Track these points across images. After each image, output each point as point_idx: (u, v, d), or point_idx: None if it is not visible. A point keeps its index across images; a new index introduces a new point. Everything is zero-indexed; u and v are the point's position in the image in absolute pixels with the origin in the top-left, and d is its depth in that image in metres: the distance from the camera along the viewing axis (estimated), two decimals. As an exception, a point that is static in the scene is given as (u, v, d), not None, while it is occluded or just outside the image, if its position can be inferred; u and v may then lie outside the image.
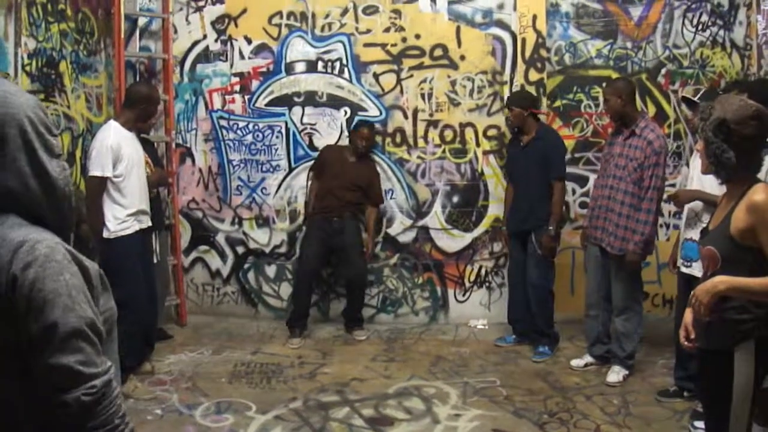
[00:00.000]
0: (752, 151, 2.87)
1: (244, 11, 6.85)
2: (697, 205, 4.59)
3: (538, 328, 6.08)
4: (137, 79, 6.82)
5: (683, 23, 6.62)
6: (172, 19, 6.85)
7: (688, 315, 3.04)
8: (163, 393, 5.18)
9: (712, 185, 3.95)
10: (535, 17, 6.51)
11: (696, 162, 4.43)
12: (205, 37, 6.94)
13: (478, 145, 6.76)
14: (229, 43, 6.91)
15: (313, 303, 6.74)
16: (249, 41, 6.89)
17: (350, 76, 6.80)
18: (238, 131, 6.97)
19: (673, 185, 6.30)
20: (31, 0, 5.24)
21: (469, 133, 6.76)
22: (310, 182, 6.79)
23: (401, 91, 6.78)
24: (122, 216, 5.14)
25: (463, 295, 6.95)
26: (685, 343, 3.11)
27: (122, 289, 4.30)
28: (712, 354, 2.98)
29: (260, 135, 6.93)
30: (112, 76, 6.53)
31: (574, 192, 6.79)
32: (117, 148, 5.08)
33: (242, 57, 6.92)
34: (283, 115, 6.90)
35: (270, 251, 7.07)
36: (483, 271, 6.91)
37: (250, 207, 7.04)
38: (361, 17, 6.74)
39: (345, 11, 6.76)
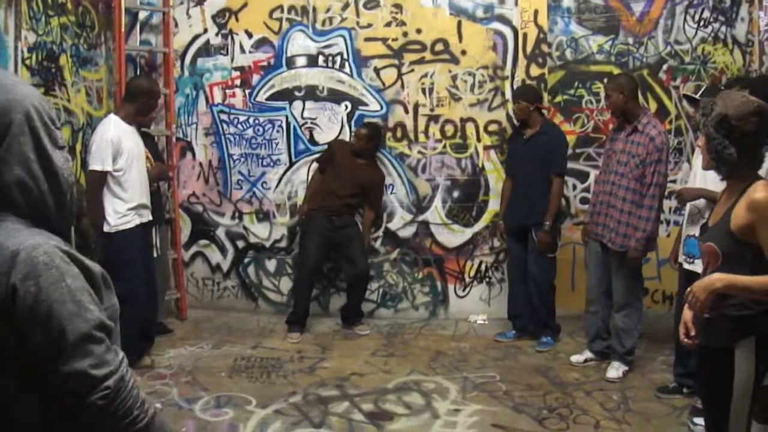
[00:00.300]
0: (753, 148, 2.86)
1: (245, 5, 6.83)
2: (701, 202, 4.58)
3: (540, 320, 6.12)
4: (137, 72, 6.81)
5: (685, 19, 6.60)
6: (172, 13, 6.84)
7: (688, 312, 3.04)
8: (162, 387, 5.18)
9: (715, 182, 3.93)
10: (536, 12, 6.49)
11: (699, 159, 4.42)
12: (205, 30, 6.93)
13: (478, 140, 6.75)
14: (229, 37, 6.90)
15: (313, 297, 6.74)
16: (250, 35, 6.88)
17: (351, 71, 6.79)
18: (239, 125, 6.97)
19: (674, 181, 6.31)
20: (31, -7, 5.24)
21: (469, 128, 6.75)
22: (312, 174, 6.78)
23: (402, 86, 6.77)
24: (123, 210, 5.14)
25: (463, 291, 6.95)
26: (685, 340, 3.10)
27: (122, 283, 4.30)
28: (713, 350, 2.98)
29: (261, 129, 6.92)
30: (113, 69, 6.53)
31: (575, 187, 6.79)
32: (117, 142, 5.09)
33: (243, 51, 6.90)
34: (284, 109, 6.89)
35: (270, 246, 7.07)
36: (483, 267, 6.91)
37: (250, 201, 7.04)
38: (362, 11, 6.73)
39: (346, 5, 6.75)
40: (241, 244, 7.11)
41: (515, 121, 6.39)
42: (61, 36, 5.71)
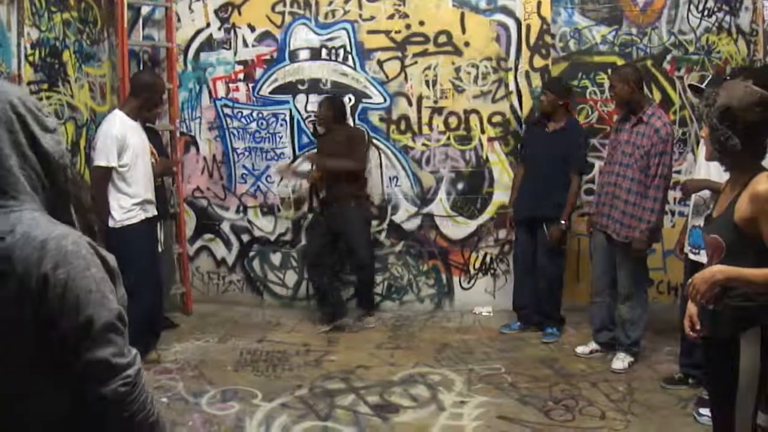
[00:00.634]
0: (757, 138, 2.85)
1: (247, -1, 6.84)
2: (705, 193, 4.57)
3: (546, 312, 6.14)
4: (141, 68, 6.81)
5: (689, 9, 6.58)
6: (175, 8, 6.83)
7: (693, 306, 3.04)
8: (169, 381, 5.20)
9: (719, 173, 3.92)
10: (539, 3, 6.48)
11: (703, 150, 4.41)
12: (208, 25, 6.92)
13: (482, 131, 6.74)
14: (232, 31, 6.90)
15: (317, 291, 6.74)
16: (252, 29, 6.87)
17: (354, 64, 6.78)
18: (243, 119, 6.97)
19: (678, 172, 6.30)
20: (34, -11, 5.24)
21: (473, 119, 6.74)
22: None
23: (405, 78, 6.76)
24: (128, 205, 5.15)
25: (468, 283, 6.95)
26: (691, 333, 3.10)
27: (128, 278, 4.31)
28: (718, 341, 2.98)
29: (264, 123, 6.92)
30: (116, 65, 6.53)
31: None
32: (122, 138, 5.09)
33: (246, 45, 6.90)
34: (288, 102, 6.89)
35: (275, 239, 7.08)
36: (488, 258, 6.91)
37: (254, 195, 7.05)
38: (364, 4, 6.71)
39: (348, -2, 6.75)
40: (245, 237, 7.12)
41: (537, 112, 6.38)
42: (64, 32, 5.72)
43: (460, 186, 6.83)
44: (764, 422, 3.09)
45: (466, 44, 6.67)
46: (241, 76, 6.94)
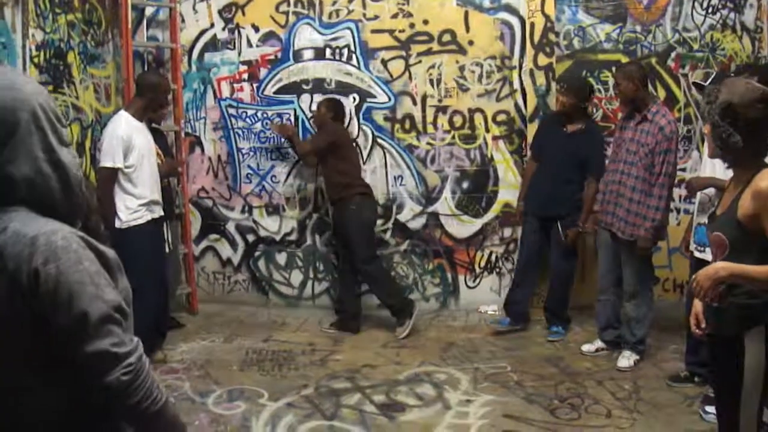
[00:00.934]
0: (759, 135, 2.84)
1: (251, -1, 6.85)
2: (711, 190, 4.57)
3: (552, 310, 6.16)
4: (145, 69, 6.82)
5: (693, 6, 6.57)
6: (179, 8, 6.83)
7: (698, 304, 3.04)
8: (175, 381, 5.21)
9: (725, 171, 3.92)
10: (543, 1, 6.46)
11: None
12: (212, 25, 6.93)
13: (487, 130, 6.74)
14: (236, 32, 6.90)
15: (324, 290, 6.76)
16: (256, 29, 6.87)
17: (358, 63, 6.79)
18: (247, 119, 6.97)
19: (683, 169, 6.30)
20: (38, -9, 5.25)
21: (478, 118, 6.74)
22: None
23: (410, 77, 6.76)
24: (134, 206, 5.16)
25: (474, 281, 6.96)
26: (696, 331, 3.11)
27: (134, 278, 4.32)
28: (723, 339, 2.98)
29: (269, 123, 6.92)
30: (120, 66, 6.53)
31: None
32: (128, 139, 5.10)
33: (250, 45, 6.90)
34: (292, 102, 6.89)
35: (280, 239, 7.08)
36: (493, 257, 6.91)
37: (260, 195, 7.05)
38: (368, 3, 6.71)
39: (352, -3, 6.75)
40: (251, 237, 7.13)
41: (545, 110, 6.42)
42: (69, 33, 5.73)
43: (465, 185, 6.83)
44: (770, 420, 3.09)
45: (471, 43, 6.67)
46: (245, 76, 6.95)
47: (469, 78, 6.71)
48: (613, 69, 6.05)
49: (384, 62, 6.76)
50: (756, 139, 2.84)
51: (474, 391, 5.04)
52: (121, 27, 6.36)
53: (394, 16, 6.70)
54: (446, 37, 6.69)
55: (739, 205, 2.84)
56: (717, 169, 4.36)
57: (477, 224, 6.88)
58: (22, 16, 5.03)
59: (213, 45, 6.96)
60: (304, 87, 6.86)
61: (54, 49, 5.49)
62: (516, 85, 6.66)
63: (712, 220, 3.09)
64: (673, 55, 6.65)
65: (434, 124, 6.79)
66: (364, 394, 5.00)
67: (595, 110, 6.69)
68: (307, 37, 6.83)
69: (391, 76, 6.77)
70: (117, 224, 5.09)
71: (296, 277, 7.10)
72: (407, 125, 6.81)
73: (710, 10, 6.57)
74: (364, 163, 6.70)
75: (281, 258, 7.11)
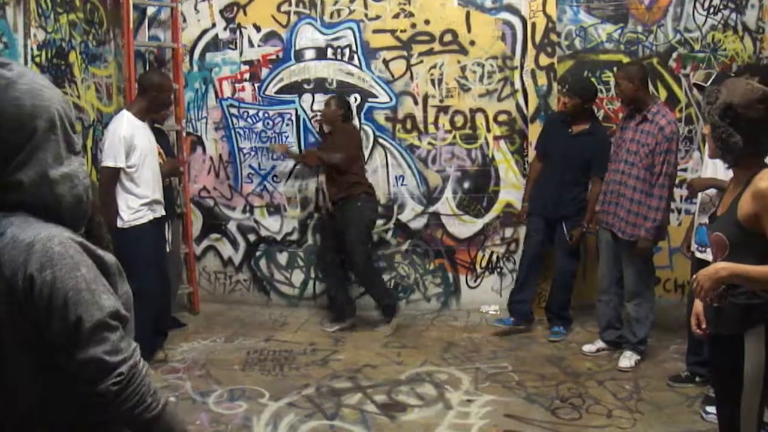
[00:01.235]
0: (759, 135, 2.85)
1: (253, -1, 6.85)
2: (712, 191, 4.57)
3: (553, 310, 6.15)
4: (147, 68, 6.82)
5: (694, 6, 6.56)
6: (180, 8, 6.84)
7: (699, 304, 3.05)
8: (176, 381, 5.22)
9: (725, 171, 3.92)
10: (545, 1, 6.46)
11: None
12: (214, 25, 6.93)
13: (488, 130, 6.74)
14: (238, 31, 6.91)
15: (325, 290, 6.76)
16: (258, 29, 6.88)
17: (360, 63, 6.79)
18: (249, 119, 6.98)
19: (684, 170, 6.29)
20: (40, -9, 5.26)
21: (479, 118, 6.74)
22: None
23: (411, 77, 6.76)
24: (136, 206, 5.16)
25: (475, 281, 6.96)
26: (697, 331, 3.11)
27: (135, 278, 4.32)
28: (723, 339, 2.98)
29: (270, 122, 6.93)
30: (122, 65, 6.55)
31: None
32: (130, 138, 5.10)
33: (251, 45, 6.91)
34: (293, 102, 6.90)
35: (281, 239, 7.09)
36: (494, 257, 6.91)
37: (261, 195, 7.06)
38: (370, 3, 6.71)
39: (353, -3, 6.75)
40: (252, 237, 7.13)
41: (548, 110, 6.43)
42: (70, 33, 5.74)
43: (466, 185, 6.83)
44: (771, 420, 3.09)
45: (472, 43, 6.67)
46: (246, 75, 6.95)
47: (471, 78, 6.71)
48: (615, 69, 6.04)
49: (385, 62, 6.76)
50: (756, 139, 2.84)
51: (475, 391, 5.04)
52: (123, 26, 6.37)
53: (396, 16, 6.71)
54: (448, 37, 6.69)
55: (739, 205, 2.84)
56: (718, 169, 4.37)
57: (478, 224, 6.88)
58: (23, 15, 5.04)
59: (214, 45, 6.96)
60: (306, 87, 6.86)
61: (55, 48, 5.49)
62: (517, 85, 6.66)
63: (713, 221, 3.09)
64: (674, 55, 6.65)
65: (435, 124, 6.79)
66: (365, 394, 5.00)
67: (596, 110, 6.68)
68: (308, 36, 6.83)
69: (393, 76, 6.77)
70: (119, 224, 5.09)
71: (297, 276, 7.10)
72: (408, 125, 6.81)
73: (712, 10, 6.56)
74: (365, 163, 6.70)
75: (282, 258, 7.11)
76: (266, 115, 6.94)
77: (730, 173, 3.14)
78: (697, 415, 4.54)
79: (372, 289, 6.49)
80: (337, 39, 6.80)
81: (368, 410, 4.75)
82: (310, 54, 6.86)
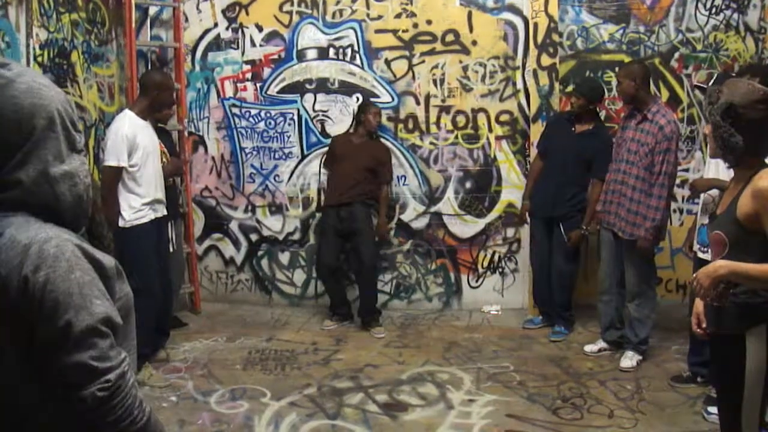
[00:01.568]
0: (760, 135, 2.85)
1: (255, -1, 6.85)
2: (714, 192, 4.57)
3: (555, 310, 6.17)
4: (149, 68, 6.82)
5: (696, 7, 6.56)
6: (182, 8, 6.85)
7: (700, 303, 3.05)
8: (178, 380, 5.22)
9: (727, 172, 3.92)
10: (547, 1, 6.46)
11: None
12: (216, 25, 6.94)
13: (490, 130, 6.74)
14: (240, 31, 6.91)
15: (325, 289, 6.76)
16: (260, 29, 6.88)
17: (362, 63, 6.79)
18: (251, 119, 6.98)
19: (686, 170, 6.29)
20: (42, -10, 5.26)
21: (481, 118, 6.74)
22: (324, 173, 6.79)
23: (413, 77, 6.76)
24: (137, 205, 5.16)
25: (477, 281, 6.96)
26: (698, 330, 3.11)
27: (137, 277, 4.35)
28: (724, 338, 2.98)
29: (272, 122, 6.94)
30: (124, 65, 6.55)
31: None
32: (132, 138, 5.10)
33: (253, 44, 6.91)
34: (295, 102, 6.90)
35: (283, 238, 7.09)
36: (496, 257, 6.91)
37: (263, 194, 7.06)
38: (372, 3, 6.72)
39: (355, -3, 6.76)
40: (254, 237, 7.14)
41: (551, 110, 6.44)
42: (72, 32, 5.74)
43: (468, 185, 6.83)
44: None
45: (474, 43, 6.67)
46: (248, 75, 6.95)
47: (473, 78, 6.71)
48: (617, 69, 6.04)
49: (387, 62, 6.76)
50: (757, 139, 2.84)
51: (477, 391, 5.04)
52: (125, 26, 6.39)
53: (398, 16, 6.71)
54: (449, 37, 6.69)
55: (739, 204, 2.85)
56: (720, 170, 4.37)
57: (480, 224, 6.88)
58: (26, 15, 5.04)
59: (216, 44, 6.97)
60: (308, 86, 6.87)
61: (58, 48, 5.50)
62: (519, 85, 6.66)
63: (713, 220, 3.10)
64: (676, 55, 6.65)
65: (437, 124, 6.79)
66: (367, 394, 5.00)
67: (600, 112, 6.68)
68: (310, 36, 6.83)
69: (395, 75, 6.77)
70: (120, 223, 5.09)
71: (299, 276, 7.11)
72: (410, 125, 6.81)
73: (714, 10, 6.56)
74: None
75: (284, 257, 7.12)
76: (268, 114, 6.94)
77: (732, 174, 3.14)
78: (698, 416, 4.54)
79: (373, 291, 6.53)
80: (339, 39, 6.80)
81: (370, 410, 4.75)
82: (312, 54, 6.86)
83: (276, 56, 6.89)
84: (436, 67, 6.73)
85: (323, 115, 6.85)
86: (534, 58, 6.54)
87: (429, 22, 6.69)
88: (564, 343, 5.96)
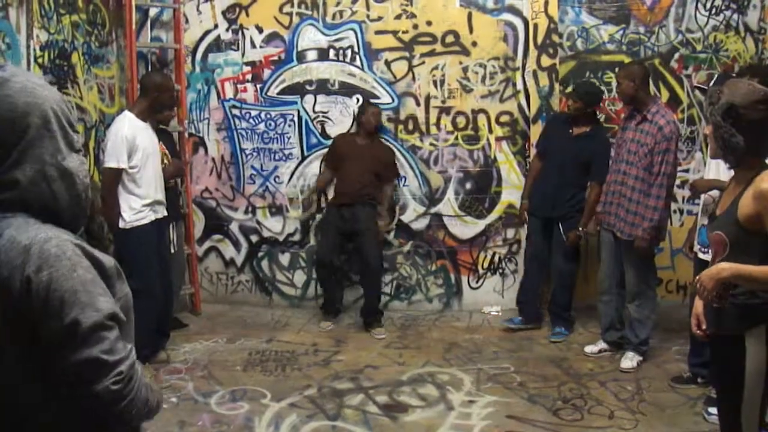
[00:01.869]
0: (761, 136, 2.85)
1: (255, 0, 6.84)
2: (715, 192, 4.57)
3: (555, 311, 6.15)
4: (149, 69, 6.82)
5: (696, 7, 6.56)
6: (182, 9, 6.84)
7: (699, 304, 3.05)
8: (178, 381, 5.22)
9: (728, 172, 3.92)
10: (546, 2, 6.46)
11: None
12: (216, 26, 6.94)
13: (490, 131, 6.74)
14: (240, 32, 6.91)
15: (324, 290, 6.76)
16: (260, 30, 6.88)
17: (362, 64, 6.79)
18: (251, 120, 6.98)
19: (686, 171, 6.28)
20: (42, -8, 5.27)
21: (481, 119, 6.74)
22: (322, 172, 6.77)
23: (413, 78, 6.76)
24: (137, 206, 5.17)
25: (477, 282, 6.96)
26: (697, 332, 3.11)
27: (137, 278, 4.35)
28: (724, 339, 2.98)
29: (272, 123, 6.94)
30: (124, 66, 6.56)
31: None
32: (132, 139, 5.11)
33: (254, 46, 6.91)
34: (295, 103, 6.90)
35: (283, 239, 7.09)
36: (496, 258, 6.91)
37: (263, 195, 7.06)
38: (372, 4, 6.71)
39: (355, -2, 6.76)
40: (254, 238, 7.14)
41: (550, 111, 6.45)
42: (73, 34, 5.74)
43: (468, 186, 6.83)
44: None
45: (474, 44, 6.67)
46: (249, 76, 6.95)
47: (473, 79, 6.71)
48: (616, 70, 6.04)
49: (387, 63, 6.76)
50: (757, 140, 2.84)
51: (477, 391, 5.04)
52: (125, 28, 6.39)
53: (398, 17, 6.71)
54: (449, 38, 6.69)
55: (740, 205, 2.85)
56: (721, 170, 4.37)
57: (480, 225, 6.88)
58: (26, 16, 5.05)
59: (217, 46, 6.96)
60: (308, 88, 6.86)
61: (58, 49, 5.50)
62: (519, 86, 6.66)
63: (713, 221, 3.10)
64: (676, 56, 6.65)
65: (437, 125, 6.79)
66: (367, 395, 5.00)
67: (599, 114, 6.68)
68: (310, 37, 6.83)
69: (395, 77, 6.77)
70: (121, 224, 5.10)
71: (299, 277, 7.11)
72: (410, 126, 6.81)
73: (713, 11, 6.56)
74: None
75: (284, 258, 7.12)
76: (268, 116, 6.94)
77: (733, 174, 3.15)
78: (699, 416, 4.54)
79: (376, 292, 6.54)
80: (339, 40, 6.80)
81: (370, 411, 4.76)
82: (312, 55, 6.86)
83: (276, 57, 6.89)
84: (436, 68, 6.73)
85: (323, 117, 6.85)
86: (534, 59, 6.55)
87: (429, 23, 6.69)
88: (564, 343, 5.96)
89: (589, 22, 6.69)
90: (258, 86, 6.94)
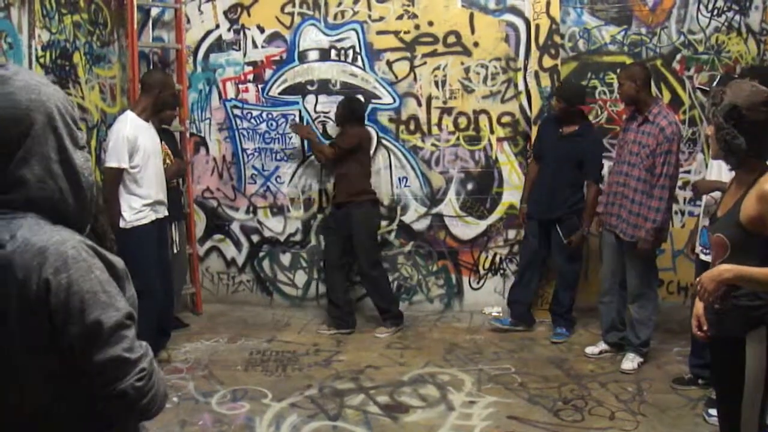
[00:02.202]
0: (763, 137, 2.85)
1: (256, 0, 6.84)
2: (716, 194, 4.56)
3: (557, 312, 6.15)
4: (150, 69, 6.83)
5: (698, 8, 6.55)
6: (184, 9, 6.85)
7: (700, 306, 3.05)
8: (179, 381, 5.23)
9: (730, 174, 3.92)
10: (548, 3, 6.46)
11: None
12: (217, 26, 6.94)
13: (492, 132, 6.74)
14: (241, 32, 6.91)
15: (327, 292, 6.75)
16: (262, 30, 6.88)
17: (363, 64, 6.79)
18: (252, 120, 6.99)
19: (688, 171, 6.28)
20: (44, -8, 5.27)
21: (483, 120, 6.74)
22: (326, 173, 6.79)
23: (415, 79, 6.76)
24: (138, 206, 5.17)
25: (478, 283, 6.95)
26: (698, 333, 3.11)
27: (138, 278, 4.32)
28: (725, 341, 2.98)
29: (274, 124, 6.94)
30: (126, 66, 6.56)
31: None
32: (133, 139, 5.11)
33: (255, 46, 6.91)
34: (297, 103, 6.90)
35: (285, 239, 7.09)
36: (497, 259, 6.91)
37: (264, 196, 7.06)
38: (373, 4, 6.71)
39: (357, -2, 6.76)
40: (255, 238, 7.14)
41: (548, 111, 6.42)
42: (75, 34, 5.75)
43: (469, 186, 6.83)
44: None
45: (476, 44, 6.67)
46: (250, 76, 6.96)
47: (474, 79, 6.71)
48: (618, 71, 6.04)
49: (389, 63, 6.76)
50: (760, 141, 2.85)
51: (478, 392, 5.05)
52: (127, 27, 6.40)
53: (400, 17, 6.71)
54: (451, 39, 6.69)
55: (743, 207, 2.85)
56: (723, 172, 4.36)
57: (481, 226, 6.87)
58: (28, 16, 5.06)
59: (218, 46, 6.97)
60: (309, 88, 6.87)
61: (60, 49, 5.51)
62: (521, 86, 6.66)
63: (714, 222, 3.10)
64: (678, 57, 6.64)
65: (439, 125, 6.79)
66: (368, 395, 5.00)
67: (600, 112, 6.69)
68: (312, 38, 6.83)
69: (396, 77, 6.77)
70: (121, 224, 5.10)
71: (300, 277, 7.11)
72: (412, 126, 6.81)
73: (715, 12, 6.55)
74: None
75: (285, 258, 7.12)
76: (270, 116, 6.95)
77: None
78: (699, 418, 4.54)
79: (375, 295, 6.48)
80: (340, 40, 6.80)
81: (371, 411, 4.76)
82: (313, 55, 6.86)
83: (277, 57, 6.90)
84: (437, 68, 6.73)
85: (325, 117, 6.84)
86: (535, 60, 6.55)
87: (431, 23, 6.68)
88: (565, 344, 5.96)
89: (590, 23, 6.69)
90: (259, 86, 6.94)
